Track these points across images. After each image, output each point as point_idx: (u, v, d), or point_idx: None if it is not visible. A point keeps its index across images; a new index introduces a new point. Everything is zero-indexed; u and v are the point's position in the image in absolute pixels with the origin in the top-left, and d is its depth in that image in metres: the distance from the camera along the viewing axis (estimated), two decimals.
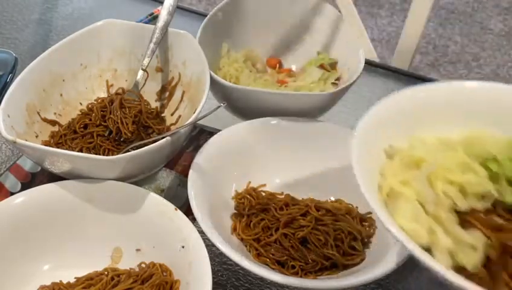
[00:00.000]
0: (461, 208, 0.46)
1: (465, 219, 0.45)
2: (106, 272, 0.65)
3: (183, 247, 0.63)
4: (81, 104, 0.83)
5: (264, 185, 0.77)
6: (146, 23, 1.07)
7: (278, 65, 0.96)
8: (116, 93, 0.83)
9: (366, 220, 0.72)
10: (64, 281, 0.64)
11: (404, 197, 0.46)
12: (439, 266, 0.40)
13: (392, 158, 0.50)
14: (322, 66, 0.90)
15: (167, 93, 0.84)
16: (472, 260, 0.44)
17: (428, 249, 0.44)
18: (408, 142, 0.50)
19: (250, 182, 0.76)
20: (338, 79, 0.88)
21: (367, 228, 0.70)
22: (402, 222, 0.45)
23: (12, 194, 0.74)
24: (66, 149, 0.75)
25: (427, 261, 0.40)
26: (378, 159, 0.50)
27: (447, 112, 0.52)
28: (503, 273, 0.43)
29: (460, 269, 0.44)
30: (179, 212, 0.65)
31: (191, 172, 0.69)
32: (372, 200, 0.44)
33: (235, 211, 0.73)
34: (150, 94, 0.84)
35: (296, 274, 0.66)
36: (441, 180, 0.46)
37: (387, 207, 0.46)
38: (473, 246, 0.44)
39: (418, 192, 0.46)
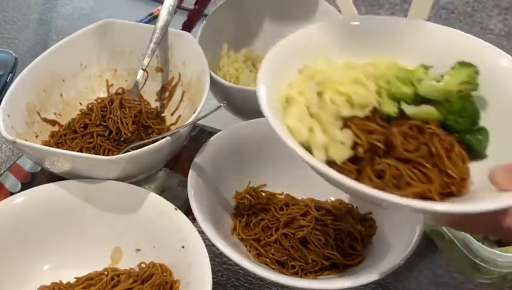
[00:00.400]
0: (344, 114, 0.53)
1: (346, 123, 0.53)
2: (106, 272, 0.65)
3: (183, 247, 0.63)
4: (81, 104, 0.83)
5: (264, 185, 0.77)
6: (146, 23, 1.07)
7: None
8: (116, 93, 0.83)
9: (366, 220, 0.72)
10: (64, 281, 0.64)
11: (296, 102, 0.54)
12: (311, 157, 0.49)
13: (301, 73, 0.57)
14: None
15: (167, 93, 0.84)
16: (341, 154, 0.51)
17: (309, 148, 0.52)
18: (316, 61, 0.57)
19: (250, 182, 0.76)
20: None
21: (367, 228, 0.70)
22: (289, 121, 0.52)
23: (12, 194, 0.74)
24: (66, 149, 0.75)
25: (303, 154, 0.48)
26: (291, 75, 0.56)
27: (357, 43, 0.58)
28: (368, 168, 0.51)
29: (331, 164, 0.51)
30: (179, 212, 0.65)
31: (191, 172, 0.69)
32: (264, 104, 0.51)
33: (235, 211, 0.73)
34: (150, 94, 0.84)
35: (296, 274, 0.66)
36: (331, 90, 0.54)
37: (285, 112, 0.54)
38: (342, 142, 0.51)
39: (307, 97, 0.54)
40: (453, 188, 0.50)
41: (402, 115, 0.54)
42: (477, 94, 0.55)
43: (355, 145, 0.52)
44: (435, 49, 0.58)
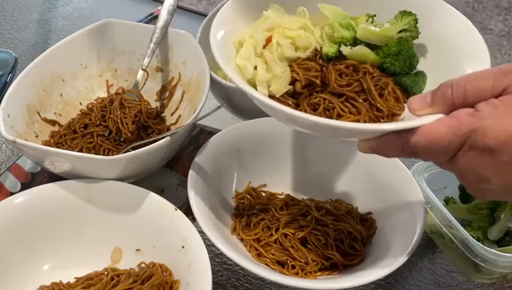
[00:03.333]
0: (287, 55, 0.59)
1: (290, 64, 0.59)
2: (106, 272, 0.65)
3: (183, 247, 0.63)
4: (81, 104, 0.83)
5: (264, 185, 0.77)
6: (146, 23, 1.07)
7: None
8: (116, 93, 0.83)
9: (366, 220, 0.71)
10: (64, 281, 0.64)
11: (246, 44, 0.60)
12: (253, 90, 0.54)
13: (256, 21, 0.62)
14: None
15: (167, 93, 0.84)
16: (279, 88, 0.58)
17: (254, 85, 0.58)
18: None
19: (250, 182, 0.76)
20: None
21: (367, 228, 0.70)
22: (238, 61, 0.59)
23: (12, 194, 0.74)
24: (66, 149, 0.75)
25: (246, 88, 0.53)
26: (248, 24, 0.62)
27: None
28: (304, 102, 0.58)
29: (273, 98, 0.57)
30: (179, 212, 0.65)
31: (191, 172, 0.69)
32: (214, 45, 0.56)
33: (235, 211, 0.73)
34: (150, 94, 0.84)
35: (296, 274, 0.66)
36: (278, 34, 0.60)
37: (236, 52, 0.60)
38: (280, 76, 0.58)
39: (255, 40, 0.60)
40: (382, 121, 0.56)
41: (342, 57, 0.59)
42: (418, 42, 0.59)
43: (294, 82, 0.58)
44: (380, 2, 0.62)
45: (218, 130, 0.76)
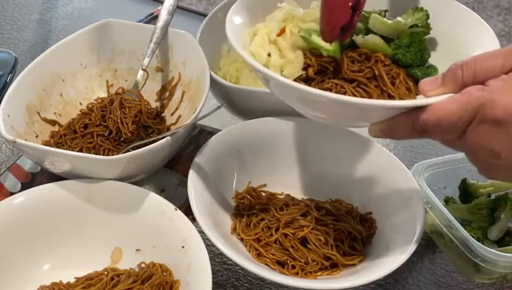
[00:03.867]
0: (301, 44, 0.60)
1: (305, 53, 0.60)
2: (106, 272, 0.65)
3: (183, 247, 0.63)
4: (81, 104, 0.83)
5: (264, 185, 0.77)
6: (146, 23, 1.07)
7: None
8: (116, 93, 0.83)
9: (366, 220, 0.71)
10: (64, 281, 0.64)
11: (260, 32, 0.62)
12: (270, 71, 0.54)
13: (269, 14, 0.64)
14: None
15: (167, 93, 0.84)
16: (292, 72, 0.59)
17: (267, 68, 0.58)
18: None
19: (250, 182, 0.76)
20: None
21: (367, 228, 0.70)
22: (252, 48, 0.61)
23: (12, 194, 0.74)
24: (66, 149, 0.75)
25: (262, 69, 0.54)
26: (264, 16, 0.64)
27: None
28: (317, 87, 0.58)
29: None
30: (179, 212, 0.65)
31: (191, 172, 0.69)
32: (231, 33, 0.58)
33: (235, 211, 0.73)
34: (150, 94, 0.84)
35: (296, 274, 0.66)
36: (292, 24, 0.62)
37: (251, 41, 0.62)
38: (293, 61, 0.59)
39: (269, 28, 0.62)
40: None
41: (354, 47, 0.60)
42: (429, 37, 0.61)
43: (307, 68, 0.59)
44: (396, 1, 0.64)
45: (218, 130, 0.76)
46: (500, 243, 0.71)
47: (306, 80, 0.59)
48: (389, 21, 0.60)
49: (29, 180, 0.79)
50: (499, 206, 0.72)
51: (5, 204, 0.66)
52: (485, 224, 0.72)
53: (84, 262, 0.67)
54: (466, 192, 0.76)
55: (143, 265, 0.66)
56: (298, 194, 0.75)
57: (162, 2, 0.83)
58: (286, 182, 0.77)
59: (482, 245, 0.65)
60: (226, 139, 0.75)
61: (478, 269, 0.67)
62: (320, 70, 0.59)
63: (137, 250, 0.67)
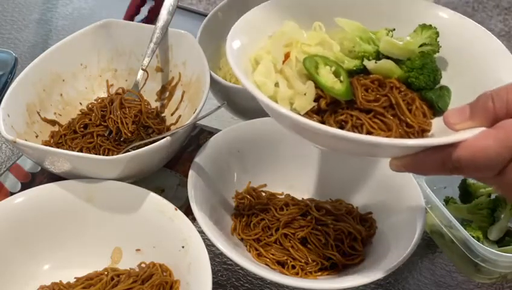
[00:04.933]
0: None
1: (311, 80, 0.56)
2: (106, 272, 0.65)
3: (183, 247, 0.63)
4: (81, 104, 0.83)
5: (264, 185, 0.77)
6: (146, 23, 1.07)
7: None
8: (116, 93, 0.83)
9: (366, 220, 0.71)
10: (64, 281, 0.64)
11: (264, 60, 0.57)
12: (277, 105, 0.50)
13: (271, 38, 0.60)
14: None
15: (167, 93, 0.84)
16: (304, 105, 0.54)
17: (275, 102, 0.53)
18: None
19: (250, 182, 0.76)
20: None
21: (367, 228, 0.70)
22: (256, 78, 0.55)
23: (12, 194, 0.74)
24: (66, 149, 0.75)
25: (270, 103, 0.49)
26: (262, 39, 0.59)
27: (326, 11, 0.61)
28: (331, 119, 0.54)
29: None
30: (179, 212, 0.65)
31: (191, 172, 0.69)
32: (232, 60, 0.53)
33: (235, 211, 0.73)
34: (150, 94, 0.84)
35: (296, 274, 0.66)
36: (297, 49, 0.57)
37: (253, 70, 0.57)
38: (305, 92, 0.54)
39: (274, 56, 0.57)
40: (412, 137, 0.53)
41: (365, 72, 0.57)
42: (439, 56, 0.58)
43: (319, 98, 0.55)
44: (397, 16, 0.61)
45: (218, 130, 0.76)
46: (500, 243, 0.71)
47: (318, 112, 0.55)
48: (399, 42, 0.57)
49: (29, 180, 0.79)
50: (499, 206, 0.72)
51: (5, 204, 0.66)
52: (485, 224, 0.72)
53: (84, 262, 0.67)
54: (466, 192, 0.76)
55: (143, 265, 0.66)
56: (298, 194, 0.75)
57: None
58: (286, 182, 0.77)
59: (482, 245, 0.65)
60: (226, 139, 0.75)
61: (478, 269, 0.67)
62: (332, 101, 0.55)
63: (137, 250, 0.67)
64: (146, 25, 0.87)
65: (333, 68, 0.56)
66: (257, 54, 0.58)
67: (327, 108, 0.55)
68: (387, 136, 0.52)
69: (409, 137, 0.53)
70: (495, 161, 0.44)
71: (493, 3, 2.41)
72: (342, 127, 0.54)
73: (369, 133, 0.53)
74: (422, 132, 0.54)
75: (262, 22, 0.60)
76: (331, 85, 0.54)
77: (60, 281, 0.64)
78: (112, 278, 0.64)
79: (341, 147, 0.53)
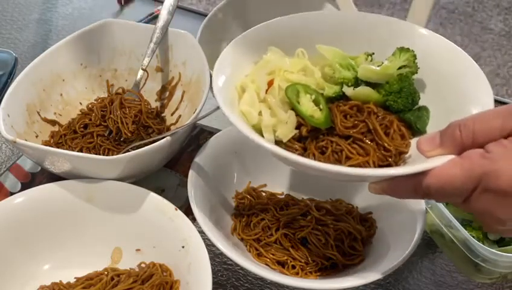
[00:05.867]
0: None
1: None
2: (106, 272, 0.65)
3: (183, 247, 0.63)
4: (81, 104, 0.83)
5: (264, 185, 0.77)
6: (146, 23, 1.07)
7: None
8: (116, 93, 0.83)
9: (366, 220, 0.71)
10: (64, 281, 0.64)
11: (248, 89, 0.59)
12: (260, 138, 0.53)
13: (256, 64, 0.62)
14: None
15: (167, 93, 0.84)
16: (286, 133, 0.57)
17: (260, 130, 0.57)
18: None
19: (250, 182, 0.76)
20: None
21: (367, 228, 0.70)
22: (242, 107, 0.58)
23: (12, 194, 0.74)
24: (66, 149, 0.75)
25: (250, 135, 0.53)
26: (248, 66, 0.62)
27: (307, 36, 0.63)
28: (312, 146, 0.57)
29: (280, 143, 0.57)
30: (179, 212, 0.65)
31: (191, 172, 0.69)
32: (217, 91, 0.56)
33: (235, 211, 0.73)
34: (150, 94, 0.84)
35: (296, 274, 0.66)
36: (280, 78, 0.59)
37: (240, 99, 0.59)
38: (286, 121, 0.57)
39: (257, 85, 0.59)
40: (390, 160, 0.55)
41: (345, 97, 0.59)
42: (417, 77, 0.59)
43: (300, 126, 0.57)
44: (376, 39, 0.63)
45: (218, 130, 0.76)
46: (500, 243, 0.71)
47: (300, 139, 0.58)
48: (377, 68, 0.59)
49: (29, 180, 0.79)
50: None
51: (5, 204, 0.66)
52: None
53: (84, 262, 0.67)
54: None
55: (143, 265, 0.66)
56: (298, 194, 0.75)
57: (162, 2, 0.83)
58: (286, 182, 0.77)
59: (482, 245, 0.65)
60: (226, 139, 0.75)
61: (478, 269, 0.67)
62: (313, 128, 0.57)
63: (137, 250, 0.68)
64: (146, 25, 0.87)
65: (313, 96, 0.58)
66: (242, 82, 0.60)
67: (308, 135, 0.57)
68: (365, 161, 0.55)
69: (387, 160, 0.55)
70: (460, 189, 0.46)
71: (493, 3, 2.41)
72: (323, 153, 0.57)
73: (348, 158, 0.56)
74: (400, 154, 0.56)
75: (246, 51, 0.62)
76: (311, 114, 0.57)
77: (60, 281, 0.64)
78: (112, 278, 0.64)
79: (321, 175, 0.55)
